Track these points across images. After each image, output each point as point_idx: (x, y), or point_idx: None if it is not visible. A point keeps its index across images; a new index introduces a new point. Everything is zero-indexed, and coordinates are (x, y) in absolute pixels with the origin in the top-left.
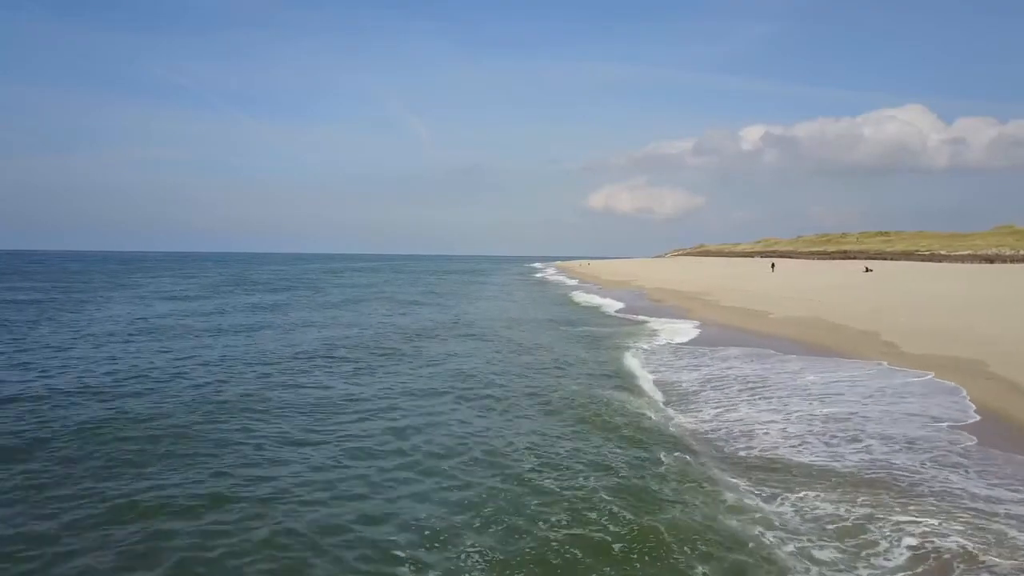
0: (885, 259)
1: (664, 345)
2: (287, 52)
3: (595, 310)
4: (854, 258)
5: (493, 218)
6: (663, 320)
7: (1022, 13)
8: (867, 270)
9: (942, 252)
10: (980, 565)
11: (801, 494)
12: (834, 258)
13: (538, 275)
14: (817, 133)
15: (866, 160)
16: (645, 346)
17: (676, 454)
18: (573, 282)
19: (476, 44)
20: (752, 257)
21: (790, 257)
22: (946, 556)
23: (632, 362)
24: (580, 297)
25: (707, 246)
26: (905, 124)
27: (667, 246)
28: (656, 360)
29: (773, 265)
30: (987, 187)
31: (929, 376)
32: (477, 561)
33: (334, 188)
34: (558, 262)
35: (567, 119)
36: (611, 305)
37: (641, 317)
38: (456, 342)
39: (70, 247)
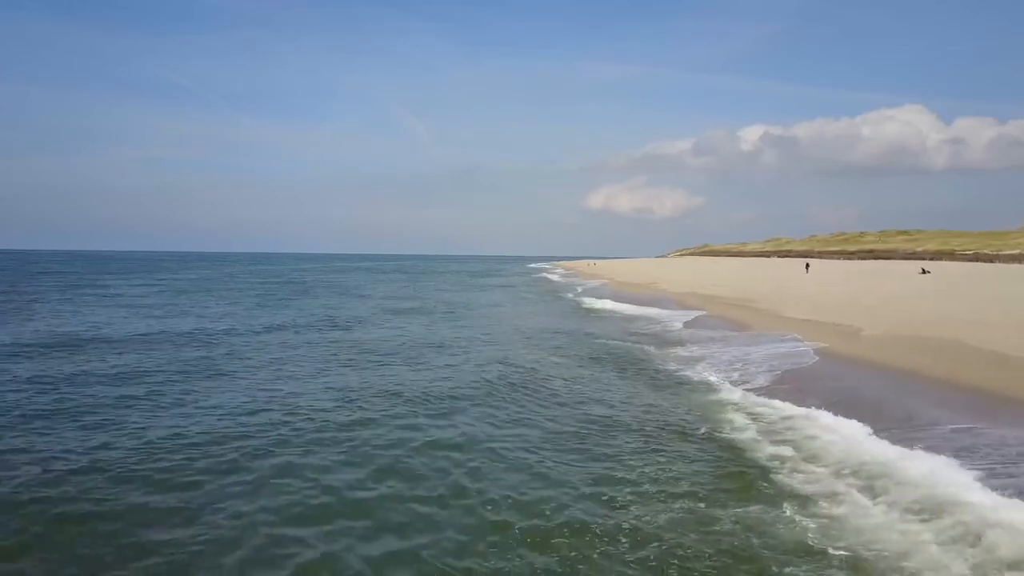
0: (923, 259)
1: (764, 390)
2: (287, 52)
3: (626, 324)
4: (886, 258)
5: (492, 218)
6: (731, 339)
7: (1022, 13)
8: (924, 271)
9: (986, 252)
10: None
11: None
12: (863, 258)
13: (543, 276)
14: (816, 133)
15: (865, 160)
16: (749, 408)
17: None
18: (585, 285)
19: (476, 44)
20: (770, 257)
21: (809, 256)
22: None
23: (749, 431)
24: (600, 305)
25: (712, 246)
26: (904, 124)
27: (667, 246)
28: (765, 424)
29: (808, 266)
30: (986, 187)
31: None
32: None
33: (334, 188)
34: (561, 262)
35: (566, 119)
36: (644, 317)
37: (703, 333)
38: (474, 389)
39: (73, 247)
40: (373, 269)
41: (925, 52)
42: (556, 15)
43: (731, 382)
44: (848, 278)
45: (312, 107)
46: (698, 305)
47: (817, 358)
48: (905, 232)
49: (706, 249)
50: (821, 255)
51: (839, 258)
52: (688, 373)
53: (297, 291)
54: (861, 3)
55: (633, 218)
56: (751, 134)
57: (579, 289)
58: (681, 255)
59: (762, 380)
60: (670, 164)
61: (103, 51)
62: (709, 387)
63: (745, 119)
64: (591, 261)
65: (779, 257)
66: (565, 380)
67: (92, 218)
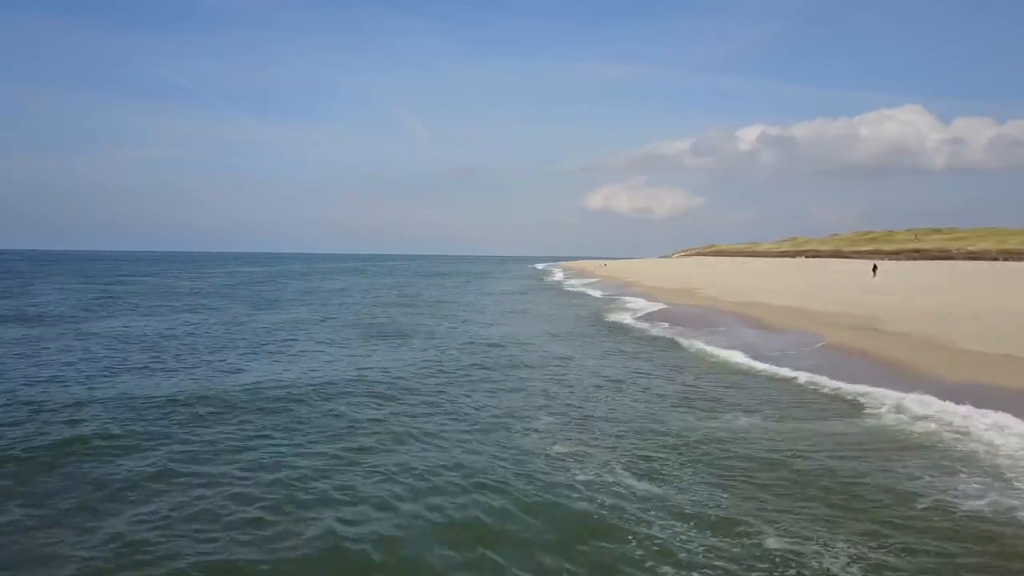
0: (992, 259)
1: None
2: (287, 52)
3: (735, 368)
4: (939, 258)
5: (492, 218)
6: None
7: (1022, 13)
8: None
9: None
10: None
11: None
12: (910, 258)
13: (553, 279)
14: (815, 133)
15: (864, 160)
16: None
17: None
18: (607, 290)
19: (476, 44)
20: (794, 258)
21: (840, 256)
22: None
23: None
24: (657, 332)
25: (720, 246)
26: (903, 124)
27: (667, 246)
28: None
29: (875, 268)
30: (986, 187)
31: None
32: None
33: (334, 188)
34: (566, 262)
35: (566, 119)
36: (761, 354)
37: (874, 391)
38: None
39: (73, 247)
40: (365, 271)
41: (925, 52)
42: (556, 15)
43: None
44: (940, 283)
45: (312, 107)
46: (784, 324)
47: None
48: (937, 230)
49: (713, 249)
50: (855, 255)
51: (881, 258)
52: None
53: (265, 299)
54: (861, 3)
55: (633, 218)
56: (750, 134)
57: (599, 296)
58: (686, 255)
59: None
60: (670, 164)
61: (103, 51)
62: None
63: (744, 119)
64: (602, 262)
65: (805, 258)
66: None
67: (92, 218)
